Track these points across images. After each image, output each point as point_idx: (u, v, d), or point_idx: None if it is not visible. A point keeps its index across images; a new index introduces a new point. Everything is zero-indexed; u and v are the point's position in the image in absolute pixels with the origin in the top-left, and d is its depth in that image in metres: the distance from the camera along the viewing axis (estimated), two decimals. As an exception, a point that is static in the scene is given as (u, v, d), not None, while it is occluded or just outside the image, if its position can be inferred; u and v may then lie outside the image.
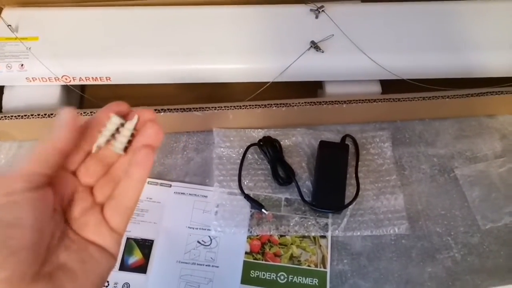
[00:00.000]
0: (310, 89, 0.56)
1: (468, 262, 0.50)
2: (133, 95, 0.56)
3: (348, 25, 0.52)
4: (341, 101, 0.50)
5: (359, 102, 0.50)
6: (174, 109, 0.49)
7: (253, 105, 0.49)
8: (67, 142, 0.25)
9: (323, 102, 0.50)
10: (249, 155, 0.56)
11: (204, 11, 0.53)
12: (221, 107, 0.49)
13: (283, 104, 0.50)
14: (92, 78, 0.50)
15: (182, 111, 0.49)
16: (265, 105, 0.50)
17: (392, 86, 0.52)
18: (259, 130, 0.56)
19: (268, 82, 0.51)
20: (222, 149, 0.56)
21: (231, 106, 0.49)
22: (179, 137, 0.57)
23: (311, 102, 0.50)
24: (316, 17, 0.53)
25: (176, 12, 0.53)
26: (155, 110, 0.49)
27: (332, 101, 0.50)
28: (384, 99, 0.50)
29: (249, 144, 0.56)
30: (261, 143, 0.55)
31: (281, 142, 0.56)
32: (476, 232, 0.52)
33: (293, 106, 0.50)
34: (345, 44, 0.51)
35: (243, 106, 0.49)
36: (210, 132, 0.57)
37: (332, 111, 0.50)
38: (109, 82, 0.51)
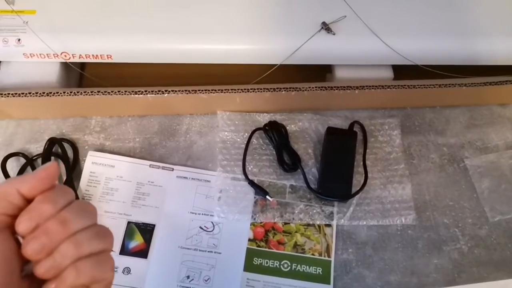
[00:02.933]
0: (319, 72, 0.54)
1: (475, 254, 0.49)
2: (135, 74, 0.54)
3: (362, 6, 0.49)
4: (352, 87, 0.48)
5: (370, 88, 0.48)
6: (179, 90, 0.47)
7: (260, 89, 0.47)
8: (33, 190, 0.24)
9: (333, 87, 0.48)
10: (254, 140, 0.54)
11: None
12: (228, 90, 0.47)
13: (292, 88, 0.48)
14: (93, 55, 0.48)
15: (187, 93, 0.47)
16: (273, 88, 0.48)
17: (404, 72, 0.50)
18: (264, 114, 0.54)
19: (276, 65, 0.49)
20: (226, 133, 0.54)
21: (238, 90, 0.47)
22: (181, 119, 0.55)
23: (321, 87, 0.48)
24: (328, -4, 0.51)
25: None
26: (159, 91, 0.47)
27: (343, 87, 0.48)
28: (396, 85, 0.48)
29: (254, 128, 0.54)
30: (266, 127, 0.53)
31: (287, 127, 0.54)
32: (484, 224, 0.51)
33: (302, 90, 0.48)
34: (358, 26, 0.49)
35: (251, 89, 0.47)
36: (214, 115, 0.55)
37: (341, 96, 0.48)
38: (110, 61, 0.48)
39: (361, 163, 0.53)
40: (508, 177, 0.54)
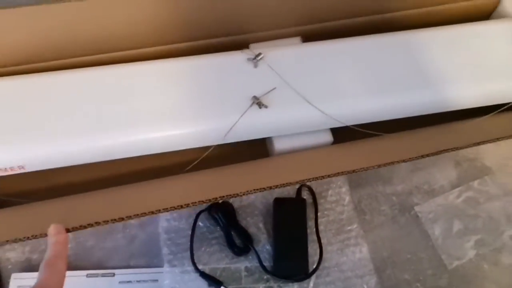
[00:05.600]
0: (259, 141, 0.51)
1: (440, 308, 0.49)
2: (58, 183, 0.48)
3: (290, 73, 0.47)
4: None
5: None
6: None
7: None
8: None
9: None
10: (200, 223, 0.51)
11: (125, 70, 0.47)
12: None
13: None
14: (1, 169, 0.42)
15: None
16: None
17: (344, 132, 0.49)
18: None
19: (211, 147, 0.46)
20: (168, 221, 0.50)
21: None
22: (117, 212, 0.50)
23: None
24: (255, 66, 0.48)
25: (89, 76, 0.46)
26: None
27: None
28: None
29: (198, 211, 0.50)
30: (211, 209, 0.50)
31: (233, 203, 0.51)
32: (444, 273, 0.51)
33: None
34: (289, 95, 0.46)
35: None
36: (152, 204, 0.50)
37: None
38: (23, 171, 0.43)
39: (314, 229, 0.50)
40: (458, 218, 0.54)
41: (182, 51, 0.50)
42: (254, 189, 0.42)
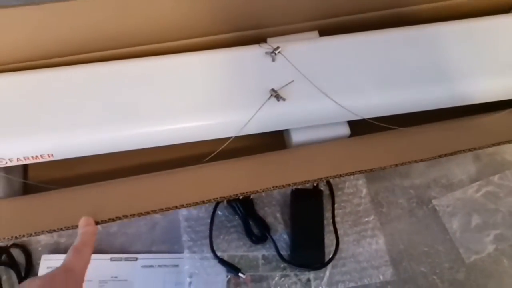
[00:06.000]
0: (276, 132, 0.52)
1: (456, 301, 0.49)
2: (86, 172, 0.50)
3: (308, 66, 0.48)
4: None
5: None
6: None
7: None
8: None
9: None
10: (219, 212, 0.52)
11: (146, 64, 0.48)
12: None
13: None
14: (32, 157, 0.44)
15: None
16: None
17: (360, 125, 0.49)
18: (226, 185, 0.52)
19: (229, 138, 0.47)
20: (188, 209, 0.52)
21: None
22: (140, 200, 0.52)
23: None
24: (273, 60, 0.49)
25: (113, 69, 0.48)
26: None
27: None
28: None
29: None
30: (229, 199, 0.51)
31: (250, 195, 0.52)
32: (461, 267, 0.51)
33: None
34: (307, 88, 0.47)
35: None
36: (173, 193, 0.52)
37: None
38: (52, 159, 0.45)
39: (331, 220, 0.51)
40: (476, 212, 0.53)
41: (200, 45, 0.52)
42: (274, 186, 0.43)
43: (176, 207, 0.42)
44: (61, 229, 0.40)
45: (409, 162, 0.45)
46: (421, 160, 0.45)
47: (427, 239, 0.52)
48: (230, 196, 0.43)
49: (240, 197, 0.45)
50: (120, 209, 0.41)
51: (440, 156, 0.45)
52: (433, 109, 0.49)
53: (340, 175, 0.44)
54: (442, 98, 0.49)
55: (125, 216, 0.40)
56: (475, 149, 0.46)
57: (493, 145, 0.46)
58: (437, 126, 0.49)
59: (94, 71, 0.47)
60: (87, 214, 0.39)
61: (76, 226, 0.38)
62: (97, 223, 0.39)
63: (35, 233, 0.40)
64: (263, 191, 0.43)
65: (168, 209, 0.41)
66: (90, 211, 0.40)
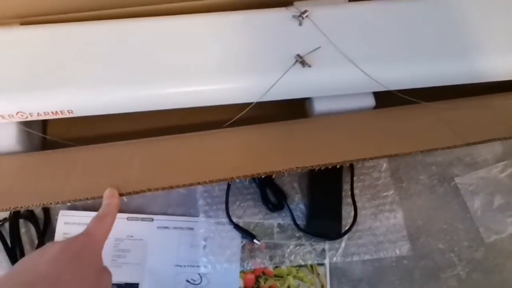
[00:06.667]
0: (298, 101, 0.51)
1: (473, 279, 0.48)
2: (105, 131, 0.50)
3: (336, 32, 0.46)
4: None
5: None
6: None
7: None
8: None
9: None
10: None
11: (170, 23, 0.47)
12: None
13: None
14: (52, 112, 0.44)
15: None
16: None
17: (386, 97, 0.48)
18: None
19: (251, 103, 0.46)
20: (205, 174, 0.51)
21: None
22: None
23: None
24: (300, 24, 0.47)
25: (137, 26, 0.46)
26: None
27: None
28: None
29: (234, 167, 0.51)
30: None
31: (269, 162, 0.51)
32: (480, 246, 0.50)
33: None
34: (334, 55, 0.46)
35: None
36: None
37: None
38: (71, 115, 0.45)
39: (349, 193, 0.50)
40: (500, 193, 0.52)
41: (225, 5, 0.50)
42: (297, 167, 0.42)
43: (199, 183, 0.41)
44: (87, 199, 0.39)
45: (435, 149, 0.44)
46: (448, 148, 0.43)
47: (447, 216, 0.51)
48: (253, 175, 0.41)
49: (263, 176, 0.44)
50: (142, 183, 0.40)
51: (468, 145, 0.43)
52: (460, 86, 0.47)
53: (364, 159, 0.43)
54: (468, 72, 0.47)
55: (149, 190, 0.40)
56: (505, 138, 0.44)
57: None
58: (464, 102, 0.47)
59: (119, 28, 0.46)
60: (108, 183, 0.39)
61: (101, 197, 0.38)
62: (121, 195, 0.39)
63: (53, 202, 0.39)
64: (285, 171, 0.42)
65: (190, 185, 0.40)
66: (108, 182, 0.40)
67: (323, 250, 0.49)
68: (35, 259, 0.30)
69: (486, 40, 0.47)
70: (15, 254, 0.46)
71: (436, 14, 0.48)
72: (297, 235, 0.49)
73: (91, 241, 0.33)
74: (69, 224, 0.48)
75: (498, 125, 0.46)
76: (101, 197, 0.38)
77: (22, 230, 0.48)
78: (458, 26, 0.47)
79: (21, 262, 0.30)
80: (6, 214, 0.47)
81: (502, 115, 0.48)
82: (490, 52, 0.47)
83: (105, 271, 0.33)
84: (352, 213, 0.49)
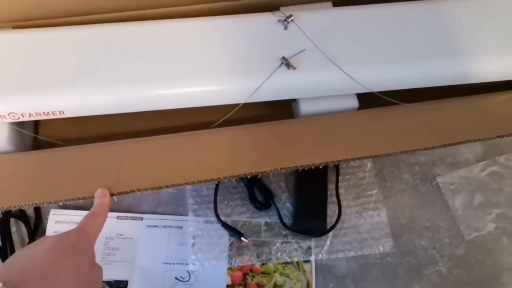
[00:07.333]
0: (285, 102, 0.52)
1: (454, 275, 0.50)
2: (96, 131, 0.51)
3: (320, 36, 0.48)
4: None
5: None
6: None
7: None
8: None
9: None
10: (224, 178, 0.53)
11: (159, 27, 0.48)
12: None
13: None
14: (44, 113, 0.45)
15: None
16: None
17: (369, 99, 0.49)
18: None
19: (239, 104, 0.47)
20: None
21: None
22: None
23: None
24: (285, 28, 0.49)
25: (125, 30, 0.48)
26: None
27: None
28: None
29: (223, 167, 0.52)
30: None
31: (257, 162, 0.53)
32: (461, 243, 0.51)
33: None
34: (318, 58, 0.47)
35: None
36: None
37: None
38: (63, 116, 0.46)
39: (334, 192, 0.52)
40: (480, 191, 0.54)
41: (214, 10, 0.52)
42: (281, 167, 0.43)
43: (187, 183, 0.42)
44: (79, 199, 0.40)
45: (413, 150, 0.45)
46: (425, 149, 0.45)
47: (429, 214, 0.52)
48: (240, 175, 0.42)
49: (249, 176, 0.45)
50: (133, 183, 0.41)
51: (445, 145, 0.45)
52: (443, 88, 0.49)
53: (346, 160, 0.44)
54: (452, 74, 0.48)
55: (139, 190, 0.41)
56: (484, 139, 0.46)
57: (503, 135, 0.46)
58: (444, 103, 0.49)
59: (108, 32, 0.47)
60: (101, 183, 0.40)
61: (93, 197, 0.39)
62: (112, 195, 0.40)
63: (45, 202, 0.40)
64: (270, 171, 0.43)
65: (179, 184, 0.42)
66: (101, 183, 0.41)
67: (309, 247, 0.50)
68: (30, 251, 0.31)
69: (469, 42, 0.48)
70: (6, 252, 0.47)
71: (418, 18, 0.50)
72: (284, 233, 0.50)
73: (84, 236, 0.34)
74: (60, 222, 0.49)
75: (478, 126, 0.48)
76: (93, 197, 0.39)
77: (13, 229, 0.48)
78: (440, 29, 0.49)
79: (16, 254, 0.31)
80: (-3, 214, 0.48)
81: (482, 115, 0.49)
82: (474, 53, 0.48)
83: (97, 266, 0.34)
84: (337, 211, 0.50)
